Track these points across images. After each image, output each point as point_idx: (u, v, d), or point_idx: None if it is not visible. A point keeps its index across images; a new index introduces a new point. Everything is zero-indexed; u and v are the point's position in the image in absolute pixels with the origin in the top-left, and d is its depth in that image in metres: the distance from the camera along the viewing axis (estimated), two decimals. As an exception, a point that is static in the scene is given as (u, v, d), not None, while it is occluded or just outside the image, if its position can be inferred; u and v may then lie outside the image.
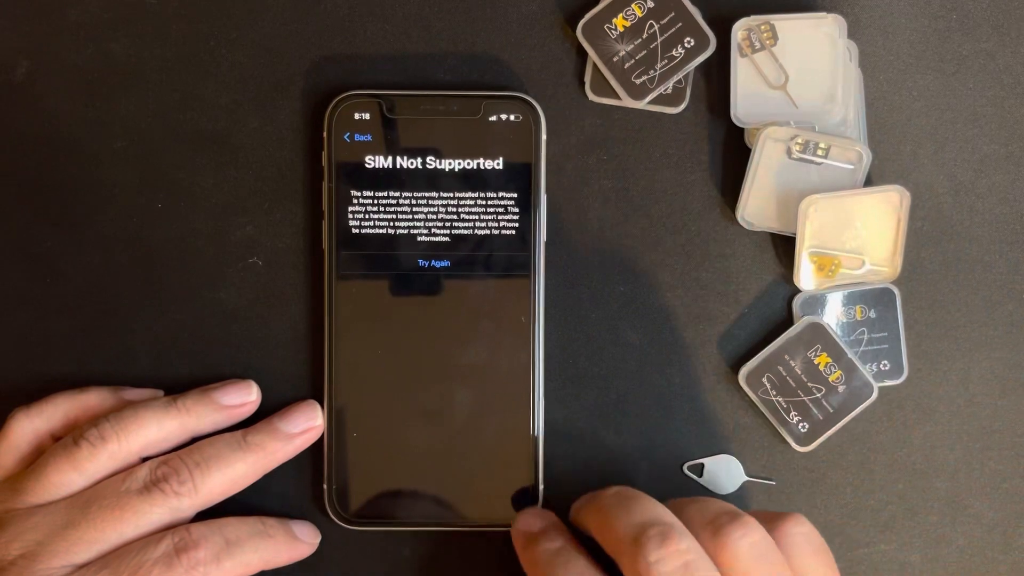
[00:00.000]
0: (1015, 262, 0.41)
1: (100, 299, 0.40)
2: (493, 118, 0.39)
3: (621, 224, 0.40)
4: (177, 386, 0.40)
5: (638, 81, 0.39)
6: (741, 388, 0.40)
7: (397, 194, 0.39)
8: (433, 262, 0.39)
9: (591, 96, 0.40)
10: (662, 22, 0.39)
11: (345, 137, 0.39)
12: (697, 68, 0.40)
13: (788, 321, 0.41)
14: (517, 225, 0.39)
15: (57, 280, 0.40)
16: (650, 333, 0.40)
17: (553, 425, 0.40)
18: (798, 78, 0.39)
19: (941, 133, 0.41)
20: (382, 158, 0.39)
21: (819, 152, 0.39)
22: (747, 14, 0.39)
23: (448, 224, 0.39)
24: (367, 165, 0.39)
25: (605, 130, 0.40)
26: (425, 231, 0.39)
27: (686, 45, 0.39)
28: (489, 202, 0.39)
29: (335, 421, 0.39)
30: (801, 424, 0.40)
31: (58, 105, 0.40)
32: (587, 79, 0.40)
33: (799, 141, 0.39)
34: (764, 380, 0.40)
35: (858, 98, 0.40)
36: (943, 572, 0.41)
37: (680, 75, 0.39)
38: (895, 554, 0.41)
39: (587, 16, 0.39)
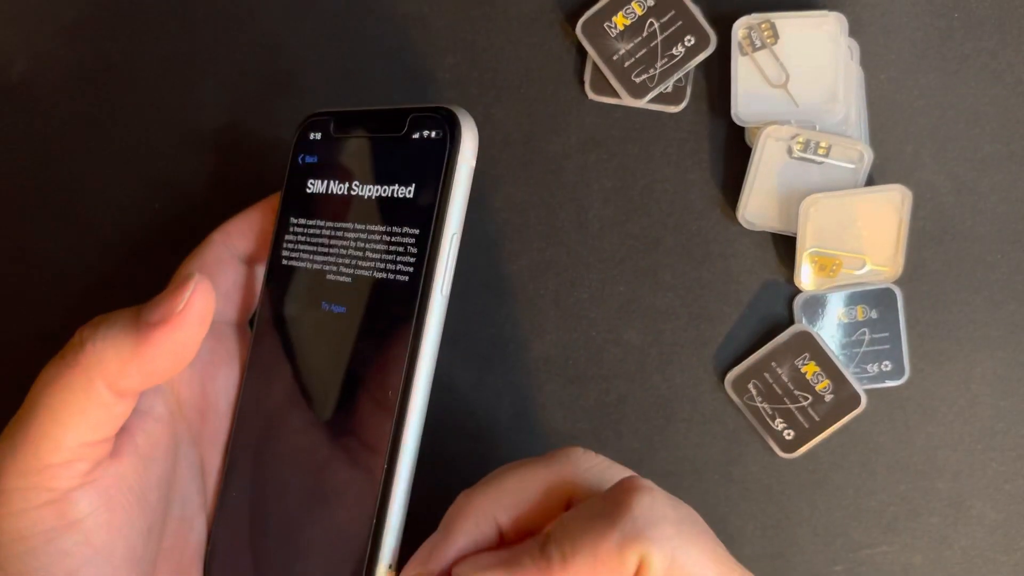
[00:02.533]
0: (1017, 262, 0.41)
1: (99, 299, 0.40)
2: (416, 135, 0.31)
3: (621, 224, 0.40)
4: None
5: (638, 80, 0.39)
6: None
7: (321, 224, 0.33)
8: (333, 307, 0.32)
9: (591, 95, 0.40)
10: (662, 20, 0.39)
11: (299, 159, 0.34)
12: (697, 67, 0.40)
13: (789, 321, 0.40)
14: (410, 272, 0.30)
15: (56, 280, 0.40)
16: (650, 333, 0.40)
17: (553, 425, 0.40)
18: (799, 77, 0.39)
19: (943, 132, 0.41)
20: (320, 183, 0.33)
21: (820, 151, 0.39)
22: (748, 12, 0.39)
23: (353, 263, 0.32)
24: (307, 190, 0.33)
25: (605, 129, 0.40)
26: (333, 269, 0.32)
27: (686, 43, 0.39)
28: (392, 239, 0.31)
29: (225, 478, 0.33)
30: (786, 431, 0.40)
31: (57, 105, 0.40)
32: (587, 78, 0.40)
33: (800, 140, 0.39)
34: (750, 386, 0.40)
35: (859, 97, 0.40)
36: (945, 573, 0.41)
37: (680, 74, 0.39)
38: (897, 555, 0.41)
39: (587, 14, 0.39)
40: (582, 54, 0.40)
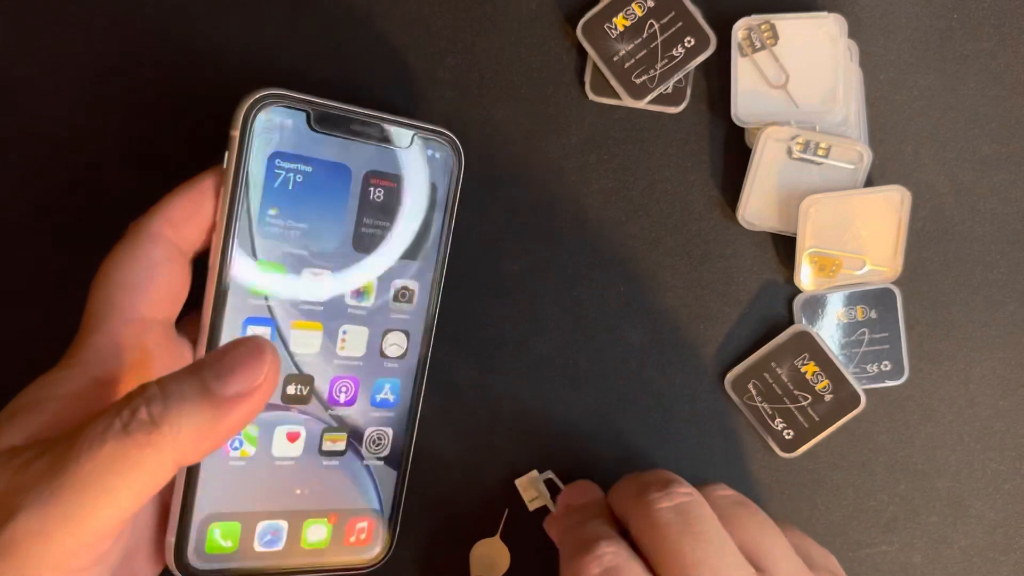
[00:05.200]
0: (1016, 262, 0.41)
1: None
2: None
3: (621, 224, 0.40)
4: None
5: (638, 81, 0.39)
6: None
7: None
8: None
9: (591, 96, 0.40)
10: (662, 21, 0.39)
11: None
12: (697, 68, 0.40)
13: (789, 321, 0.40)
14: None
15: (57, 281, 0.40)
16: (650, 333, 0.40)
17: (553, 425, 0.40)
18: (799, 78, 0.39)
19: (942, 133, 0.41)
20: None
21: (820, 152, 0.39)
22: (748, 13, 0.39)
23: None
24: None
25: (605, 130, 0.40)
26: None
27: (686, 44, 0.39)
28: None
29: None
30: (786, 431, 0.40)
31: (58, 105, 0.40)
32: (587, 79, 0.40)
33: (800, 141, 0.39)
34: (750, 386, 0.40)
35: (859, 98, 0.40)
36: (945, 573, 0.41)
37: (680, 75, 0.39)
38: (897, 555, 0.41)
39: (587, 16, 0.39)
40: (582, 55, 0.40)
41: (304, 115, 0.33)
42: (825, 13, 0.39)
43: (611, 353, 0.40)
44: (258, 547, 0.34)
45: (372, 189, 0.35)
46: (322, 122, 0.34)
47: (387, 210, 0.35)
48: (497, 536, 0.40)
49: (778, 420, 0.40)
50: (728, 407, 0.41)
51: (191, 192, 0.32)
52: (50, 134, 0.39)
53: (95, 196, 0.40)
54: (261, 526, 0.34)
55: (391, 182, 0.35)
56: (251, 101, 0.32)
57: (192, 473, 0.33)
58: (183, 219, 0.32)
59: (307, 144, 0.33)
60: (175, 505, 0.33)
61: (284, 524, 0.35)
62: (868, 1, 0.41)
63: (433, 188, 0.36)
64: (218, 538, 0.33)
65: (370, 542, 0.37)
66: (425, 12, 0.40)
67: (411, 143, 0.35)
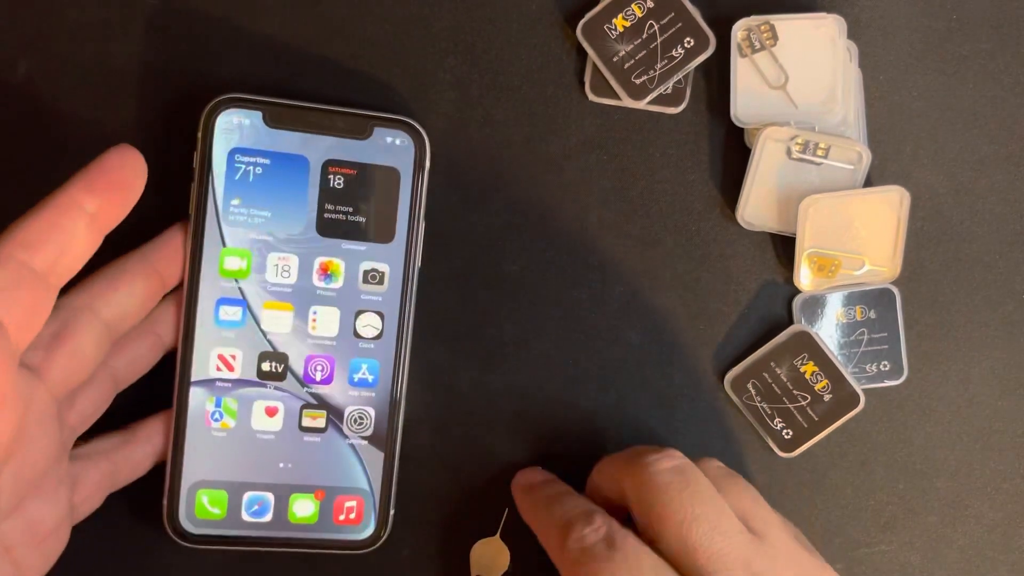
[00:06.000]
0: (1015, 262, 0.41)
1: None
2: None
3: (621, 224, 0.40)
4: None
5: (638, 81, 0.39)
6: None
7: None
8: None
9: (591, 96, 0.40)
10: (662, 22, 0.39)
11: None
12: (697, 68, 0.40)
13: (788, 322, 0.41)
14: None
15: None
16: (650, 333, 0.40)
17: (553, 425, 0.40)
18: (798, 78, 0.39)
19: (941, 133, 0.41)
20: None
21: (819, 152, 0.39)
22: (747, 14, 0.39)
23: None
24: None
25: (605, 130, 0.40)
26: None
27: (686, 45, 0.39)
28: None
29: None
30: (785, 431, 0.40)
31: (58, 105, 0.40)
32: (587, 79, 0.40)
33: (799, 141, 0.39)
34: (749, 386, 0.40)
35: (858, 98, 0.40)
36: (943, 572, 0.41)
37: (680, 75, 0.40)
38: (895, 554, 0.41)
39: (587, 16, 0.39)
40: (582, 56, 0.40)
41: (260, 114, 0.37)
42: (824, 14, 0.39)
43: (611, 353, 0.40)
44: (246, 516, 0.37)
45: (332, 177, 0.37)
46: (277, 119, 0.37)
47: (349, 196, 0.37)
48: (497, 536, 0.40)
49: (777, 420, 0.40)
50: (727, 407, 0.41)
51: (46, 211, 0.30)
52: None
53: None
54: (247, 496, 0.37)
55: (350, 169, 0.37)
56: (211, 105, 0.37)
57: (178, 441, 0.36)
58: (38, 241, 0.29)
59: (264, 139, 0.37)
60: (166, 471, 0.36)
61: (270, 496, 0.37)
62: (868, 2, 0.41)
63: (395, 173, 0.38)
64: (207, 504, 0.37)
65: (360, 522, 0.38)
66: (425, 12, 0.40)
67: (369, 132, 0.37)
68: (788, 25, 0.39)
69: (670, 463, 0.34)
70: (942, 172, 0.41)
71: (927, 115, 0.41)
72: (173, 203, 0.41)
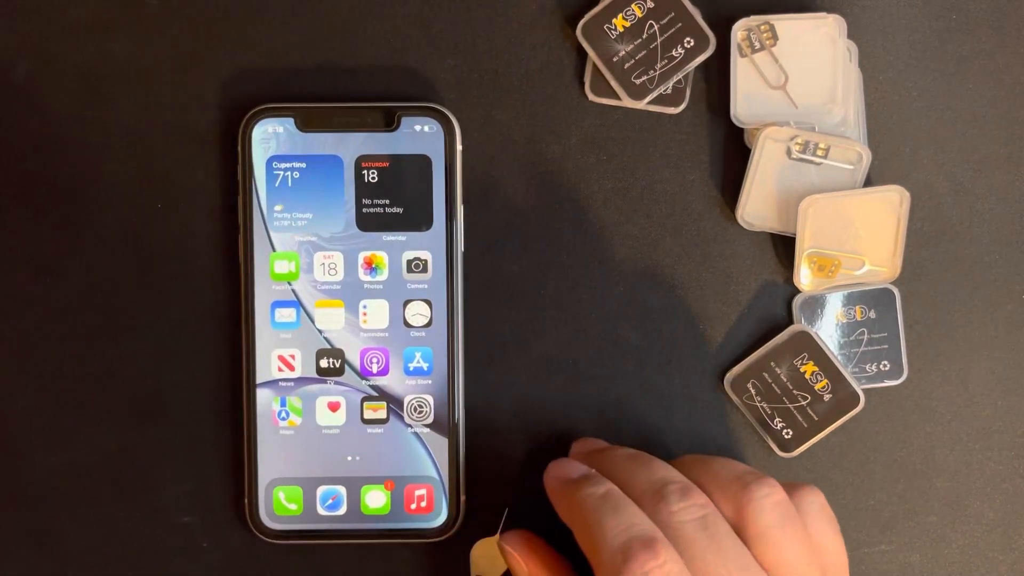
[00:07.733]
0: (1015, 262, 0.41)
1: (100, 299, 0.40)
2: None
3: (621, 224, 0.40)
4: (176, 386, 0.40)
5: (638, 81, 0.39)
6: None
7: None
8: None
9: (591, 96, 0.40)
10: (662, 22, 0.39)
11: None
12: (697, 68, 0.40)
13: (788, 322, 0.41)
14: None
15: (57, 280, 0.40)
16: (650, 333, 0.40)
17: (553, 425, 0.40)
18: (798, 78, 0.39)
19: (941, 133, 0.41)
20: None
21: (819, 152, 0.39)
22: (747, 14, 0.39)
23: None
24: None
25: (605, 130, 0.40)
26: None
27: (686, 45, 0.39)
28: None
29: None
30: (785, 431, 0.40)
31: (58, 105, 0.40)
32: (587, 79, 0.40)
33: (799, 141, 0.39)
34: (749, 386, 0.40)
35: (858, 98, 0.40)
36: (943, 572, 0.41)
37: (680, 75, 0.40)
38: (895, 554, 0.41)
39: (587, 16, 0.39)
40: (582, 56, 0.40)
41: (291, 120, 0.38)
42: (824, 14, 0.39)
43: (611, 353, 0.40)
44: (322, 510, 0.39)
45: (366, 172, 0.38)
46: (308, 122, 0.38)
47: (384, 189, 0.38)
48: (497, 536, 0.40)
49: (777, 420, 0.40)
50: (727, 407, 0.41)
51: None
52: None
53: (93, 195, 0.40)
54: (321, 491, 0.38)
55: (383, 162, 0.38)
56: (246, 118, 0.38)
57: (251, 443, 0.38)
58: None
59: (299, 144, 0.38)
60: (244, 472, 0.39)
61: (342, 489, 0.39)
62: (867, 2, 0.41)
63: (427, 160, 0.38)
64: (283, 501, 0.38)
65: (432, 510, 0.39)
66: (425, 12, 0.40)
67: (397, 123, 0.38)
68: (788, 25, 0.39)
69: (693, 514, 0.32)
70: (942, 172, 0.41)
71: (927, 115, 0.41)
72: (174, 201, 0.41)
